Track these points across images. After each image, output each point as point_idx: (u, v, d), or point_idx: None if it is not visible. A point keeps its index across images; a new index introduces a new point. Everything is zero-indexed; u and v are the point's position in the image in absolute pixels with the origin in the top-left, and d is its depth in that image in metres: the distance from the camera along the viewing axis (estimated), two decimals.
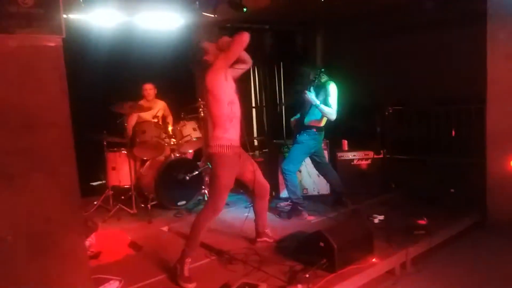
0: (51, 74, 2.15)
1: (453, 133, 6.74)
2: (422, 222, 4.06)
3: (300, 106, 4.76)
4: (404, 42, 7.18)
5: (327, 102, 4.48)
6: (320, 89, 4.53)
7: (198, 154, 6.07)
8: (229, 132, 3.32)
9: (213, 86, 3.27)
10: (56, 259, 2.25)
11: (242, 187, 3.90)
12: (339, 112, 4.56)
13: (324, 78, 4.61)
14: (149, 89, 5.76)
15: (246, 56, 3.51)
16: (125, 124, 5.07)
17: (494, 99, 4.21)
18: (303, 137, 4.67)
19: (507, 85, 4.10)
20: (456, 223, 4.26)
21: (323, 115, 4.51)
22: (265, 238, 3.93)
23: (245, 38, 3.31)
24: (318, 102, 4.44)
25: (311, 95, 4.45)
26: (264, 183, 3.77)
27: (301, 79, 4.71)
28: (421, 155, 7.14)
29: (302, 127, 4.68)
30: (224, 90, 3.30)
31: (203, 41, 3.49)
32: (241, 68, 3.52)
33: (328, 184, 5.41)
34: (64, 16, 2.22)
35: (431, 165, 6.76)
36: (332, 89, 4.53)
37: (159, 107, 5.83)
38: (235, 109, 3.36)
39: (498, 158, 4.25)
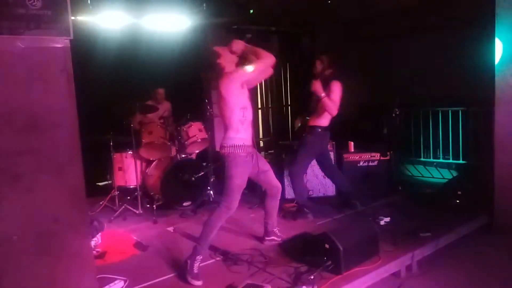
0: (58, 76, 2.17)
1: (461, 135, 6.70)
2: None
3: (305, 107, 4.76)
4: (411, 43, 7.16)
5: (330, 97, 4.47)
6: (325, 84, 4.53)
7: (201, 154, 6.08)
8: (241, 133, 3.36)
9: (228, 94, 3.30)
10: (62, 259, 2.26)
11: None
12: (343, 114, 4.54)
13: (330, 74, 4.60)
14: (162, 93, 5.83)
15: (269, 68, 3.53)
16: (131, 125, 5.08)
17: (502, 101, 4.18)
18: (308, 138, 4.66)
19: None
20: (463, 226, 4.23)
21: (324, 108, 4.50)
22: (273, 237, 3.96)
23: (271, 62, 3.41)
24: (324, 94, 4.44)
25: (318, 86, 4.45)
26: (276, 184, 3.82)
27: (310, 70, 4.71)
28: (428, 156, 7.12)
29: (307, 127, 4.67)
30: (238, 98, 3.33)
31: (214, 45, 3.50)
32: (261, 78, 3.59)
33: (334, 186, 5.40)
34: (72, 18, 2.24)
35: (438, 167, 6.73)
36: (336, 86, 4.51)
37: (166, 109, 5.87)
38: (247, 114, 3.40)
39: (506, 161, 4.22)
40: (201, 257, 3.30)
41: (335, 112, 4.51)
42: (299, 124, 4.95)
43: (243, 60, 3.42)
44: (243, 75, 3.32)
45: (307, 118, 4.75)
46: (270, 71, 3.58)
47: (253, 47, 3.44)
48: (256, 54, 3.38)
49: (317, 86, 4.46)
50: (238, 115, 3.33)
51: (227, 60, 3.37)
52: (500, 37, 4.11)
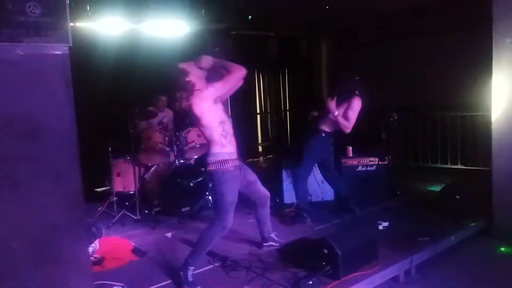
0: (57, 82, 2.18)
1: (459, 140, 6.72)
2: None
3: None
4: (409, 48, 7.19)
5: (347, 114, 4.47)
6: (345, 99, 4.52)
7: (200, 160, 6.08)
8: (226, 147, 3.27)
9: (202, 113, 3.16)
10: (59, 265, 2.27)
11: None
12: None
13: (352, 90, 4.57)
14: (164, 100, 5.82)
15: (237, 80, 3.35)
16: (131, 131, 5.07)
17: (499, 106, 4.20)
18: (312, 141, 4.66)
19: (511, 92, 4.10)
20: (461, 230, 4.24)
21: (338, 125, 4.51)
22: (271, 243, 3.95)
23: (242, 74, 3.25)
24: (336, 113, 4.43)
25: (332, 104, 4.45)
26: (265, 192, 3.75)
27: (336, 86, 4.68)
28: (426, 161, 7.13)
29: (314, 128, 4.67)
30: (213, 115, 3.21)
31: (179, 63, 3.30)
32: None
33: (333, 191, 5.41)
34: (71, 24, 2.26)
35: (436, 172, 6.74)
36: (355, 103, 4.49)
37: (167, 114, 5.86)
38: (227, 127, 3.31)
39: (503, 166, 4.23)
40: (193, 268, 3.28)
41: (349, 129, 4.48)
42: (315, 114, 4.89)
43: (213, 75, 3.30)
44: (215, 92, 3.17)
45: (316, 114, 4.71)
46: (241, 83, 3.41)
47: (222, 61, 3.33)
48: (226, 68, 3.25)
49: (331, 105, 4.44)
50: (218, 130, 3.23)
51: (196, 76, 3.21)
52: (497, 40, 4.13)
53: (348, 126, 4.46)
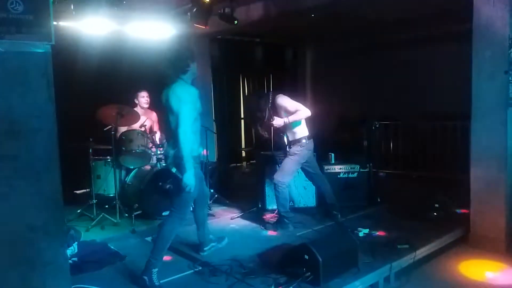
0: (38, 81, 2.14)
1: (438, 148, 6.85)
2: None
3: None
4: (391, 58, 7.33)
5: (288, 110, 4.52)
6: (274, 109, 4.58)
7: None
8: (195, 144, 3.33)
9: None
10: (36, 267, 2.21)
11: None
12: (324, 126, 4.58)
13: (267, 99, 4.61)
14: (145, 96, 5.72)
15: None
16: (112, 133, 5.00)
17: (478, 116, 4.29)
18: (296, 148, 4.67)
19: (490, 103, 4.19)
20: (440, 238, 4.30)
21: (299, 120, 4.56)
22: (212, 244, 3.96)
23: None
24: (287, 119, 4.50)
25: (277, 121, 4.52)
26: (207, 191, 3.87)
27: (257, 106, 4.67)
28: (407, 169, 7.24)
29: (290, 142, 4.70)
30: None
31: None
32: None
33: (315, 196, 5.43)
34: (54, 23, 2.22)
35: (416, 180, 6.85)
36: (280, 100, 4.56)
37: (149, 117, 5.78)
38: (197, 124, 3.37)
39: (481, 175, 4.32)
40: (157, 270, 3.26)
41: (308, 112, 4.52)
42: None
43: None
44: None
45: (287, 136, 4.75)
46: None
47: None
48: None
49: (276, 122, 4.51)
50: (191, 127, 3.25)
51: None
52: (476, 53, 4.24)
53: (302, 114, 4.50)
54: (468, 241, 4.42)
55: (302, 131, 4.65)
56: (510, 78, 4.10)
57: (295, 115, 4.50)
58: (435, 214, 4.89)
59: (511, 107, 4.13)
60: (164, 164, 5.34)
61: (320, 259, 3.16)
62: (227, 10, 5.51)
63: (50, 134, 2.18)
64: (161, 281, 3.27)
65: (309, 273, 3.20)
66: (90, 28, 5.27)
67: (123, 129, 5.40)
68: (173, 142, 3.33)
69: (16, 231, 2.13)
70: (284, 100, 4.58)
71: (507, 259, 4.02)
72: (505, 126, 4.12)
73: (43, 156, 2.17)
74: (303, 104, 4.59)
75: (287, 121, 4.51)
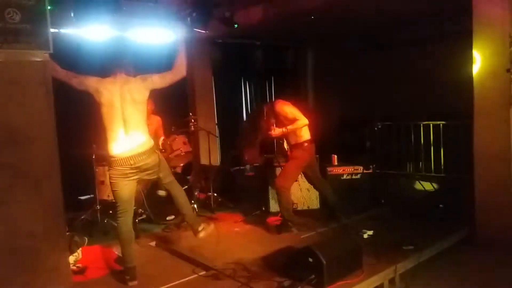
0: (37, 89, 2.15)
1: (441, 148, 6.81)
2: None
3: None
4: (393, 58, 7.29)
5: (288, 118, 4.53)
6: (273, 113, 4.59)
7: (185, 168, 6.04)
8: None
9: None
10: (39, 275, 2.22)
11: None
12: (326, 128, 4.58)
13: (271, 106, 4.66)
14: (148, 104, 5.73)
15: None
16: None
17: (481, 115, 4.27)
18: (298, 152, 4.66)
19: (493, 101, 4.17)
20: (445, 239, 4.27)
21: (299, 128, 4.56)
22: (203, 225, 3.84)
23: None
24: (285, 129, 4.52)
25: (276, 131, 4.53)
26: None
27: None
28: (410, 170, 7.20)
29: (292, 147, 4.70)
30: None
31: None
32: None
33: (318, 199, 5.41)
34: (55, 30, 2.23)
35: (420, 180, 6.81)
36: (279, 107, 4.57)
37: (153, 122, 5.79)
38: None
39: (485, 174, 4.29)
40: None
41: (306, 122, 4.54)
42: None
43: None
44: None
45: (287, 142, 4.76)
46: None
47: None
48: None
49: (275, 134, 4.54)
50: None
51: None
52: (477, 52, 4.21)
53: (300, 123, 4.51)
54: (473, 241, 4.38)
55: (304, 135, 4.64)
56: None
57: (293, 125, 4.52)
58: (440, 214, 4.86)
59: None
60: None
61: (324, 262, 3.14)
62: (227, 14, 5.52)
63: (49, 142, 2.19)
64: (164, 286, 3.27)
65: (313, 276, 3.18)
66: (91, 35, 5.29)
67: None
68: None
69: (16, 238, 2.14)
70: (283, 107, 4.58)
71: None
72: (508, 124, 4.10)
73: (43, 163, 2.18)
74: (304, 107, 4.59)
75: (286, 131, 4.53)
